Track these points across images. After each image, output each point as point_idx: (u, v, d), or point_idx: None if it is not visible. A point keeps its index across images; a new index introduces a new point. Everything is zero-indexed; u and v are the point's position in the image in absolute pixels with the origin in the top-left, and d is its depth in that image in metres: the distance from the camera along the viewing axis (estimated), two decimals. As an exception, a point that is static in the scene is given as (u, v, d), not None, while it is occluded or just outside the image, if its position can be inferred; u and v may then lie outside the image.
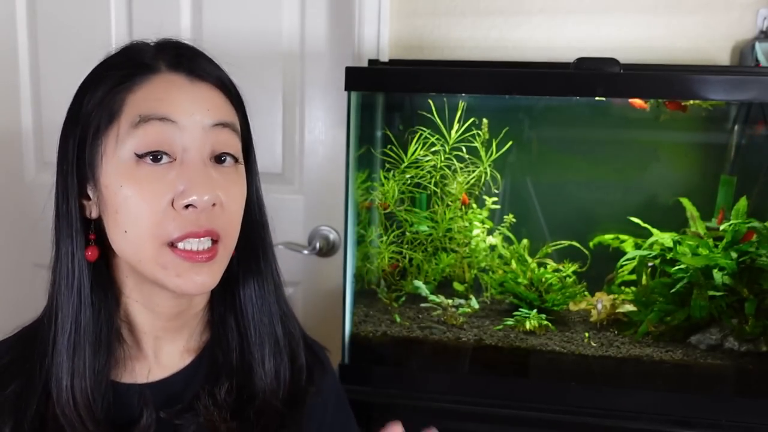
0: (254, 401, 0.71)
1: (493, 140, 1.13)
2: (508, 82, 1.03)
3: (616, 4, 1.19)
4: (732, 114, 1.11)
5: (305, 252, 1.35)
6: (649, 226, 1.11)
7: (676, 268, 1.09)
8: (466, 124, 1.12)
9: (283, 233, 1.37)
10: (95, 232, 0.66)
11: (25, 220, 1.47)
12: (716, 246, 1.08)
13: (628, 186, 1.17)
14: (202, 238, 0.63)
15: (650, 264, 1.11)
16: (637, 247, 1.12)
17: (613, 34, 1.20)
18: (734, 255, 1.06)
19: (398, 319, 1.17)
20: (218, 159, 0.65)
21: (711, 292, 1.06)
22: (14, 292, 1.51)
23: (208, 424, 0.68)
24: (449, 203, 1.18)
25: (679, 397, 1.05)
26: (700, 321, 1.09)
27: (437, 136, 1.14)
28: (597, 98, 1.07)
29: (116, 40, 0.69)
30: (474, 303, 1.18)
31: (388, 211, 1.19)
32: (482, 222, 1.18)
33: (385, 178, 1.17)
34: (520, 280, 1.16)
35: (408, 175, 1.16)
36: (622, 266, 1.13)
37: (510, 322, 1.14)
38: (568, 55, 1.05)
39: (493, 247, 1.18)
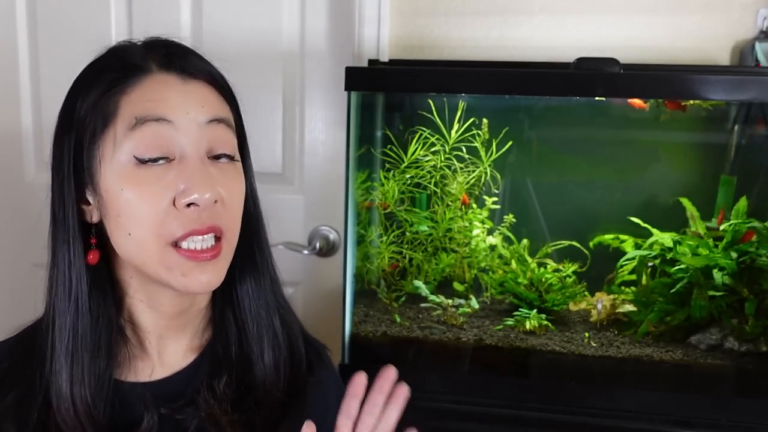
0: (255, 393, 0.71)
1: (493, 140, 1.13)
2: (508, 82, 1.03)
3: (616, 4, 1.19)
4: (732, 114, 1.11)
5: (305, 252, 1.35)
6: (649, 226, 1.11)
7: (676, 268, 1.09)
8: (466, 124, 1.12)
9: (283, 233, 1.37)
10: (96, 235, 0.66)
11: (25, 220, 1.47)
12: (716, 246, 1.08)
13: (628, 186, 1.17)
14: (205, 236, 0.63)
15: (650, 264, 1.11)
16: (637, 247, 1.12)
17: (613, 34, 1.20)
18: (734, 255, 1.06)
19: (398, 319, 1.17)
20: (215, 157, 0.65)
21: (711, 292, 1.06)
22: (14, 292, 1.51)
23: (209, 417, 0.68)
24: (449, 203, 1.18)
25: (679, 397, 1.05)
26: (700, 321, 1.09)
27: (437, 136, 1.14)
28: (597, 98, 1.07)
29: (116, 40, 0.69)
30: (474, 303, 1.18)
31: (388, 211, 1.19)
32: (482, 222, 1.18)
33: (385, 178, 1.17)
34: (520, 280, 1.16)
35: (408, 175, 1.16)
36: (622, 266, 1.13)
37: (510, 322, 1.14)
38: (568, 55, 1.05)
39: (493, 247, 1.18)
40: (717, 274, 1.05)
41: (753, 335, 1.07)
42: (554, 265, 1.17)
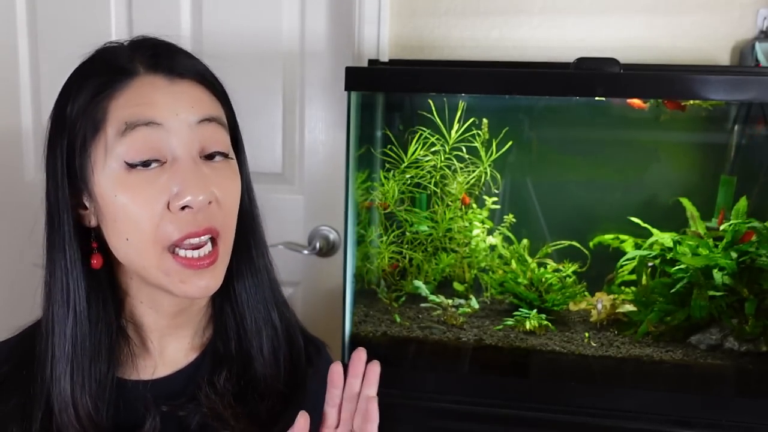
0: (256, 386, 0.71)
1: (493, 140, 1.13)
2: (508, 82, 1.03)
3: (616, 4, 1.19)
4: (732, 114, 1.11)
5: (305, 252, 1.35)
6: (649, 226, 1.11)
7: (676, 268, 1.09)
8: (466, 124, 1.12)
9: (283, 233, 1.37)
10: (96, 239, 0.66)
11: (25, 220, 1.47)
12: (716, 246, 1.08)
13: (628, 186, 1.17)
14: (202, 238, 0.63)
15: (650, 264, 1.11)
16: (637, 247, 1.12)
17: (613, 34, 1.20)
18: (734, 255, 1.06)
19: (398, 319, 1.17)
20: (208, 156, 0.65)
21: (711, 292, 1.06)
22: (14, 292, 1.51)
23: (212, 412, 0.68)
24: (449, 203, 1.18)
25: (679, 397, 1.05)
26: (700, 321, 1.09)
27: (437, 136, 1.14)
28: (597, 98, 1.07)
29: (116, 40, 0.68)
30: (474, 303, 1.18)
31: (388, 211, 1.18)
32: (482, 222, 1.18)
33: (385, 178, 1.17)
34: (520, 280, 1.16)
35: (408, 175, 1.16)
36: (622, 266, 1.13)
37: (510, 322, 1.14)
38: (568, 55, 1.05)
39: (493, 247, 1.18)
40: (717, 274, 1.05)
41: (753, 335, 1.07)
42: (554, 265, 1.17)
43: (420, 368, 1.16)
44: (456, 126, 1.12)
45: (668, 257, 1.09)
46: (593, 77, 1.00)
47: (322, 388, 0.68)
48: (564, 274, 1.16)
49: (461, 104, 1.11)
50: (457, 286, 1.19)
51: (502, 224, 1.18)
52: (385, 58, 1.25)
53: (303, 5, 1.33)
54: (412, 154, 1.15)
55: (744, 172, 1.10)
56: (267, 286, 0.74)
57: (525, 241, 1.18)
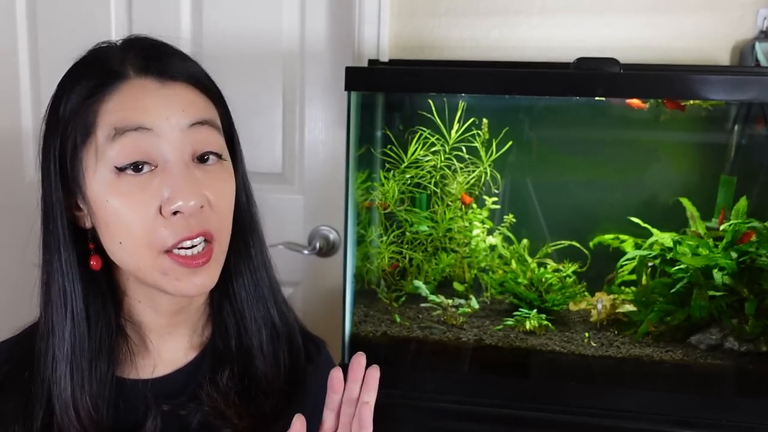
0: (258, 384, 0.71)
1: (493, 140, 1.13)
2: (508, 82, 1.03)
3: (616, 4, 1.19)
4: (732, 114, 1.11)
5: (305, 252, 1.35)
6: (649, 226, 1.11)
7: (676, 268, 1.09)
8: (466, 124, 1.12)
9: (283, 233, 1.37)
10: (92, 240, 0.66)
11: (25, 220, 1.47)
12: (716, 246, 1.08)
13: (628, 186, 1.17)
14: (195, 240, 0.62)
15: (650, 264, 1.11)
16: (637, 247, 1.12)
17: (613, 34, 1.20)
18: (734, 255, 1.06)
19: (398, 319, 1.17)
20: (201, 158, 0.64)
21: (711, 292, 1.06)
22: (14, 292, 1.51)
23: (213, 410, 0.68)
24: (449, 203, 1.18)
25: (679, 397, 1.05)
26: (700, 321, 1.09)
27: (437, 136, 1.14)
28: (597, 98, 1.07)
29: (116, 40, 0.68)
30: (474, 303, 1.18)
31: (388, 211, 1.19)
32: (482, 222, 1.18)
33: (385, 178, 1.17)
34: (520, 280, 1.16)
35: (408, 175, 1.16)
36: (622, 266, 1.13)
37: (510, 322, 1.14)
38: (568, 55, 1.05)
39: (493, 247, 1.18)
40: (717, 274, 1.05)
41: (753, 335, 1.07)
42: (554, 265, 1.17)
43: (420, 368, 1.16)
44: (456, 126, 1.12)
45: (668, 257, 1.09)
46: (593, 77, 1.00)
47: (323, 386, 0.68)
48: (564, 274, 1.16)
49: (461, 104, 1.11)
50: (457, 286, 1.19)
51: (502, 224, 1.18)
52: (385, 58, 1.25)
53: (303, 5, 1.33)
54: (412, 154, 1.15)
55: (744, 172, 1.10)
56: (266, 285, 0.74)
57: (525, 241, 1.18)
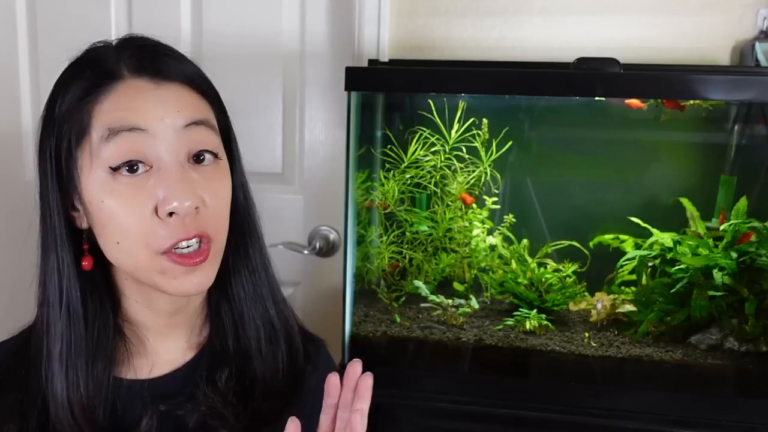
0: (256, 385, 0.71)
1: (493, 140, 1.13)
2: (508, 82, 1.03)
3: (616, 4, 1.19)
4: (732, 114, 1.11)
5: (305, 252, 1.35)
6: (649, 226, 1.11)
7: (676, 268, 1.09)
8: (466, 124, 1.12)
9: (283, 233, 1.37)
10: (88, 240, 0.66)
11: (25, 220, 1.47)
12: (716, 246, 1.08)
13: (628, 186, 1.17)
14: (191, 241, 0.62)
15: (650, 264, 1.11)
16: (637, 247, 1.12)
17: (613, 34, 1.20)
18: (734, 255, 1.06)
19: (398, 319, 1.17)
20: (197, 158, 0.64)
21: (711, 292, 1.06)
22: (14, 292, 1.51)
23: (211, 411, 0.68)
24: (449, 203, 1.18)
25: (679, 397, 1.05)
26: (700, 321, 1.09)
27: (437, 136, 1.14)
28: (597, 98, 1.07)
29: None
30: (474, 303, 1.18)
31: (388, 211, 1.19)
32: (482, 222, 1.18)
33: (385, 178, 1.17)
34: (520, 280, 1.16)
35: (408, 175, 1.16)
36: (622, 266, 1.13)
37: (510, 322, 1.14)
38: (568, 55, 1.05)
39: (493, 247, 1.18)
40: (717, 274, 1.05)
41: (753, 335, 1.07)
42: (554, 265, 1.17)
43: (420, 368, 1.16)
44: (456, 126, 1.12)
45: (668, 257, 1.09)
46: (593, 77, 1.00)
47: (322, 386, 0.68)
48: (564, 274, 1.16)
49: (461, 104, 1.11)
50: (457, 286, 1.19)
51: (502, 224, 1.18)
52: (385, 58, 1.25)
53: (303, 6, 1.33)
54: (412, 154, 1.15)
55: (744, 172, 1.10)
56: (265, 285, 0.74)
57: (525, 241, 1.18)
